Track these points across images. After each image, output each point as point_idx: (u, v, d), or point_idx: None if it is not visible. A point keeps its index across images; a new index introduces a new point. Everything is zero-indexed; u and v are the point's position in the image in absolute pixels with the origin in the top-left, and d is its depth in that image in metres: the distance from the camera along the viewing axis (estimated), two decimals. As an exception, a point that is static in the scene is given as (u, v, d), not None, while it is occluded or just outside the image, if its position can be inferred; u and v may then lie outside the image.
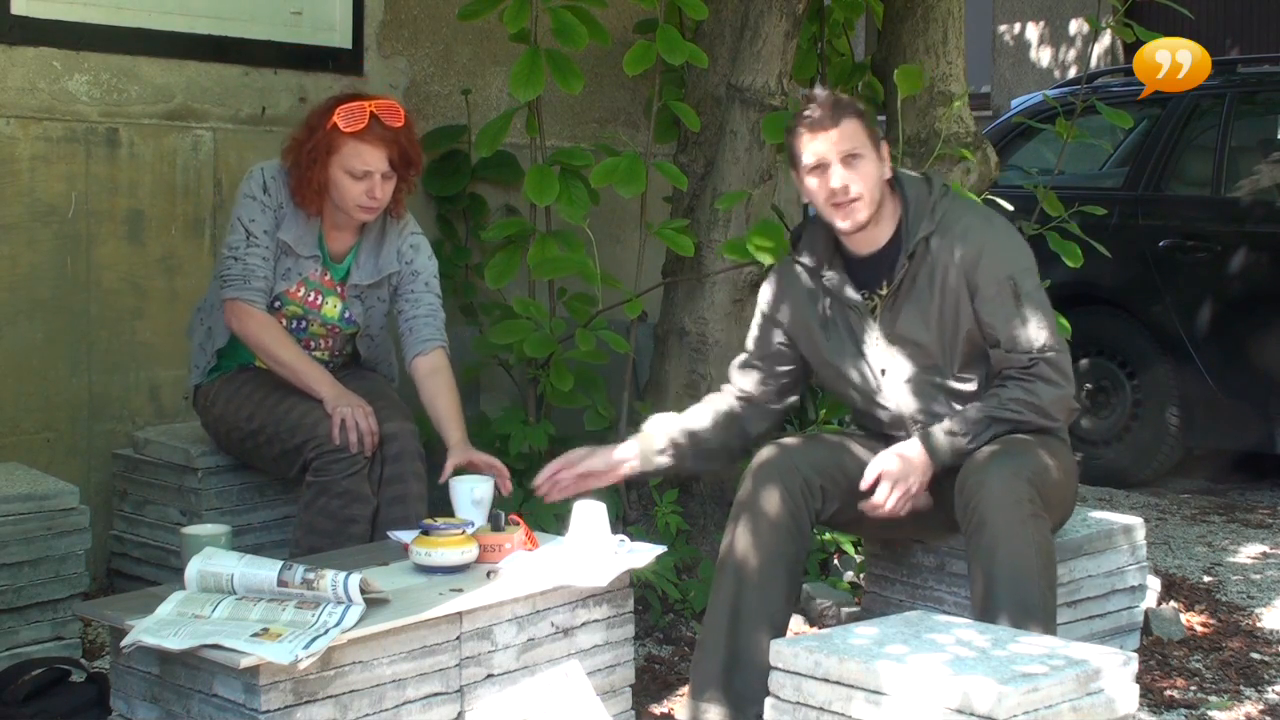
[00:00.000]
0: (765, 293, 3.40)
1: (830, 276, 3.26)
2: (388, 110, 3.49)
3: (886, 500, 3.08)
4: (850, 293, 3.24)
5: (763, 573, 3.06)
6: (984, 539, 2.96)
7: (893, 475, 3.08)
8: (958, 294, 3.17)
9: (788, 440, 3.24)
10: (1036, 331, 3.15)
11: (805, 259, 3.31)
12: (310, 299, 3.60)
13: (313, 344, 3.64)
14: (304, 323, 3.61)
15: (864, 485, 3.11)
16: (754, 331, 3.42)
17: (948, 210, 3.22)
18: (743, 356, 3.44)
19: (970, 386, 3.22)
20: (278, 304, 3.58)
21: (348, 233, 3.62)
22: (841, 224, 3.18)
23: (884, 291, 3.22)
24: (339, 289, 3.62)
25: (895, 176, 3.27)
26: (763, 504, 3.11)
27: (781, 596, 3.08)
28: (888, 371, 3.25)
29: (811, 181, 3.18)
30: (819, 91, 3.24)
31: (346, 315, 3.64)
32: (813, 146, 3.16)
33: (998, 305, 3.15)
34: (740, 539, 3.10)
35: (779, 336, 3.37)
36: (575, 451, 3.36)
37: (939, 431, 3.13)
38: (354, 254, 3.62)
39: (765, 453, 3.19)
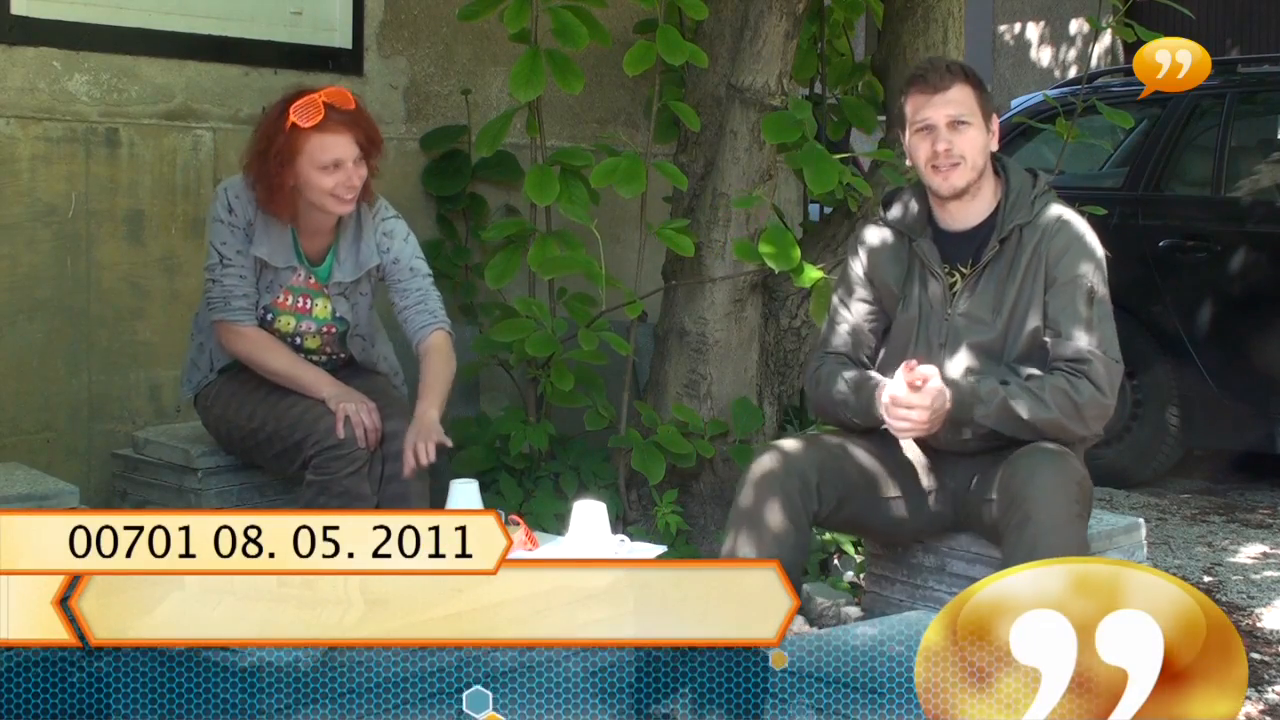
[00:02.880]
0: (856, 251, 3.38)
1: (921, 244, 3.26)
2: (339, 96, 3.44)
3: (901, 421, 3.07)
4: (936, 264, 3.24)
5: None
6: (1027, 533, 2.94)
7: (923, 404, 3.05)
8: (1034, 287, 3.18)
9: (786, 443, 3.23)
10: (1098, 335, 3.16)
11: (894, 217, 3.32)
12: (299, 305, 3.59)
13: (309, 345, 3.64)
14: (298, 327, 3.61)
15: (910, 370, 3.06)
16: (843, 286, 3.39)
17: (1047, 207, 3.24)
18: (833, 321, 3.37)
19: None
20: (269, 315, 3.57)
21: (323, 235, 3.58)
22: (939, 186, 3.20)
23: (966, 270, 3.23)
24: (324, 289, 3.60)
25: (1001, 161, 3.28)
26: (762, 511, 3.10)
27: None
28: (948, 345, 3.24)
29: (916, 141, 3.21)
30: (938, 56, 3.23)
31: (337, 314, 3.63)
32: (922, 107, 3.19)
33: (1067, 298, 3.16)
34: (741, 547, 3.09)
35: (865, 291, 3.34)
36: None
37: (965, 385, 3.11)
38: (333, 253, 3.59)
39: (764, 459, 3.18)
